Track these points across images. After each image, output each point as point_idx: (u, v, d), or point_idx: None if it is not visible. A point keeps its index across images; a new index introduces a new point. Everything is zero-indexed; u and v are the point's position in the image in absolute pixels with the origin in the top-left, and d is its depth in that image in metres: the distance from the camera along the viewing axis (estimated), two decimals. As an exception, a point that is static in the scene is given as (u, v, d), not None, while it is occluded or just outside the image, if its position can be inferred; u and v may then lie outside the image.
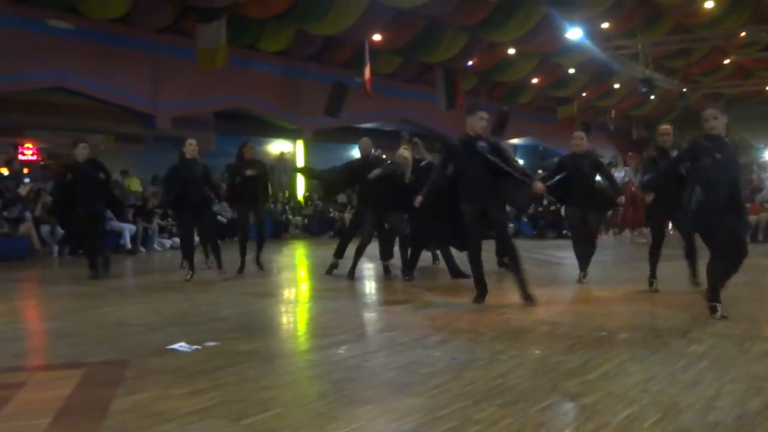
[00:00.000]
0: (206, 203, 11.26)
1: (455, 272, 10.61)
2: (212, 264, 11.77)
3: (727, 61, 28.10)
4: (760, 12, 22.39)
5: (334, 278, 11.13)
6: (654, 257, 9.11)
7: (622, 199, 10.06)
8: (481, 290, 8.23)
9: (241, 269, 11.80)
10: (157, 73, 18.52)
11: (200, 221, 11.12)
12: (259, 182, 11.86)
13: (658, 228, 9.20)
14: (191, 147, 10.94)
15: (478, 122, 8.17)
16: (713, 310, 7.06)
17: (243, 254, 11.93)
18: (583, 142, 10.08)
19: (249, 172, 11.71)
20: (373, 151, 11.23)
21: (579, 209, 9.88)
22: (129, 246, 16.86)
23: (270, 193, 12.39)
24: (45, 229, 16.03)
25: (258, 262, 12.28)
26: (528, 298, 8.02)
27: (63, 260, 15.68)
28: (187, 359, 5.68)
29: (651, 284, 9.08)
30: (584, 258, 10.07)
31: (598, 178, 10.00)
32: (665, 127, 9.07)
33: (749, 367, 5.15)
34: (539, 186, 8.27)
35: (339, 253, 11.49)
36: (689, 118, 34.35)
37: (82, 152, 11.14)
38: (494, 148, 8.23)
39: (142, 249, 17.42)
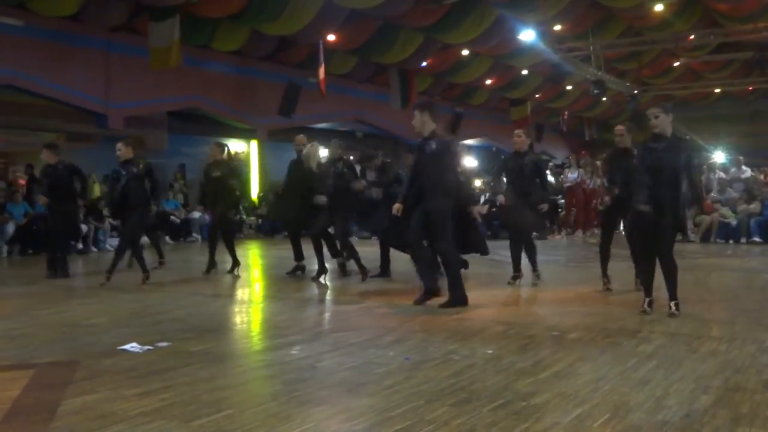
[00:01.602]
0: (141, 203, 10.64)
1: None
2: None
3: (676, 64, 28.57)
4: (708, 16, 22.80)
5: (288, 279, 11.10)
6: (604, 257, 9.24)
7: (545, 206, 9.87)
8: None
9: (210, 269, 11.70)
10: (110, 71, 18.26)
11: (129, 221, 10.72)
12: (221, 184, 11.65)
13: (612, 228, 9.33)
14: (119, 152, 10.57)
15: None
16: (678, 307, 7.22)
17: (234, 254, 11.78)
18: (522, 140, 9.95)
19: (214, 174, 11.65)
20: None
21: (519, 210, 9.71)
22: (80, 246, 16.61)
23: (235, 194, 12.06)
24: (-7, 228, 15.77)
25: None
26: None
27: (12, 260, 15.42)
28: (138, 360, 5.63)
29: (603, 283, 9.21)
30: (520, 258, 9.98)
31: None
32: (618, 127, 9.16)
33: (697, 366, 5.24)
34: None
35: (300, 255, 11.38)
36: (640, 119, 35.01)
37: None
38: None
39: (94, 249, 17.18)
